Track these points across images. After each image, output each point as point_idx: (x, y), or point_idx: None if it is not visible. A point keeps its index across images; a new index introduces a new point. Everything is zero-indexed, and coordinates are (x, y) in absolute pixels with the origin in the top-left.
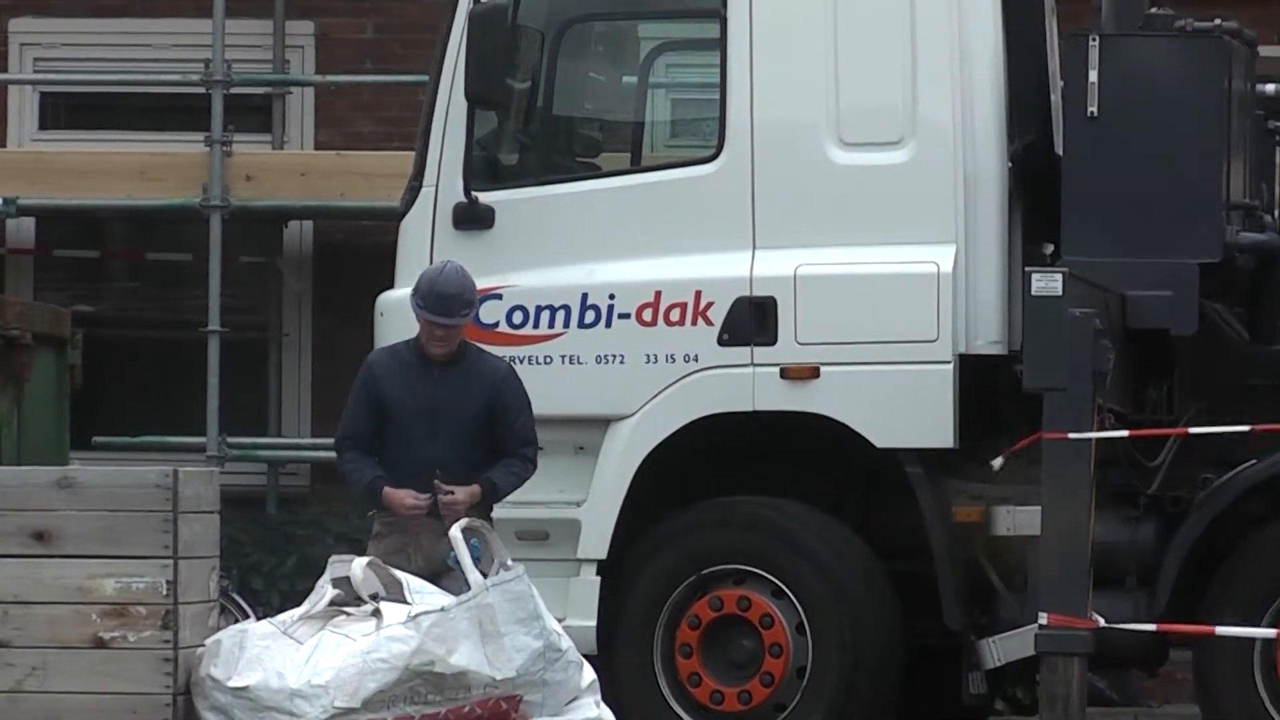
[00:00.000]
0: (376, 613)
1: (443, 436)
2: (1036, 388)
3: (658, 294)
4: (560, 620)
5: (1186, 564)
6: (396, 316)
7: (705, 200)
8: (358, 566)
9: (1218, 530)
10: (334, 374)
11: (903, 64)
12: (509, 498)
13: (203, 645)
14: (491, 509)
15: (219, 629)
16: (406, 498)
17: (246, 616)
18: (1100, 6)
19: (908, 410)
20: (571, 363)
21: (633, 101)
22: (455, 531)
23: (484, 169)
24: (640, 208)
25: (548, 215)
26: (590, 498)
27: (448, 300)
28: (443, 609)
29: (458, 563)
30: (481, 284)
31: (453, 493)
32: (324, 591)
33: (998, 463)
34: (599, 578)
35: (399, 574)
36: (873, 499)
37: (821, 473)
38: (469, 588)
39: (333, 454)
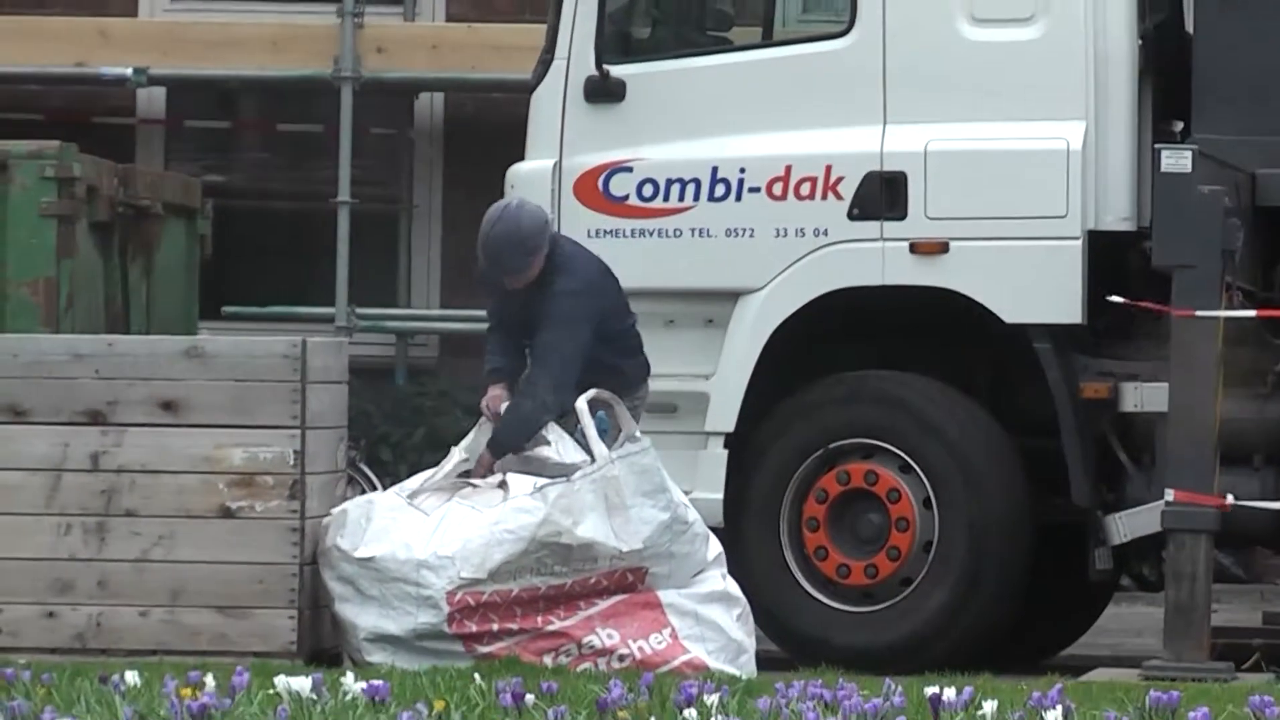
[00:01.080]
0: (503, 484)
1: (516, 354)
2: (1165, 265)
3: (788, 168)
4: (687, 493)
5: None
6: (527, 188)
7: (836, 75)
8: (487, 457)
9: None
10: (463, 246)
11: None
12: (657, 366)
13: (329, 515)
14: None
15: (346, 499)
16: (492, 400)
17: (374, 488)
18: None
19: (1037, 286)
20: (701, 236)
21: None
22: (581, 404)
23: (615, 42)
24: (772, 82)
25: (679, 89)
26: (719, 371)
27: (496, 259)
28: (569, 480)
29: (584, 434)
30: (612, 156)
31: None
32: (452, 464)
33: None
34: (726, 451)
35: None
36: (1002, 375)
37: (950, 348)
38: (595, 460)
39: (462, 325)
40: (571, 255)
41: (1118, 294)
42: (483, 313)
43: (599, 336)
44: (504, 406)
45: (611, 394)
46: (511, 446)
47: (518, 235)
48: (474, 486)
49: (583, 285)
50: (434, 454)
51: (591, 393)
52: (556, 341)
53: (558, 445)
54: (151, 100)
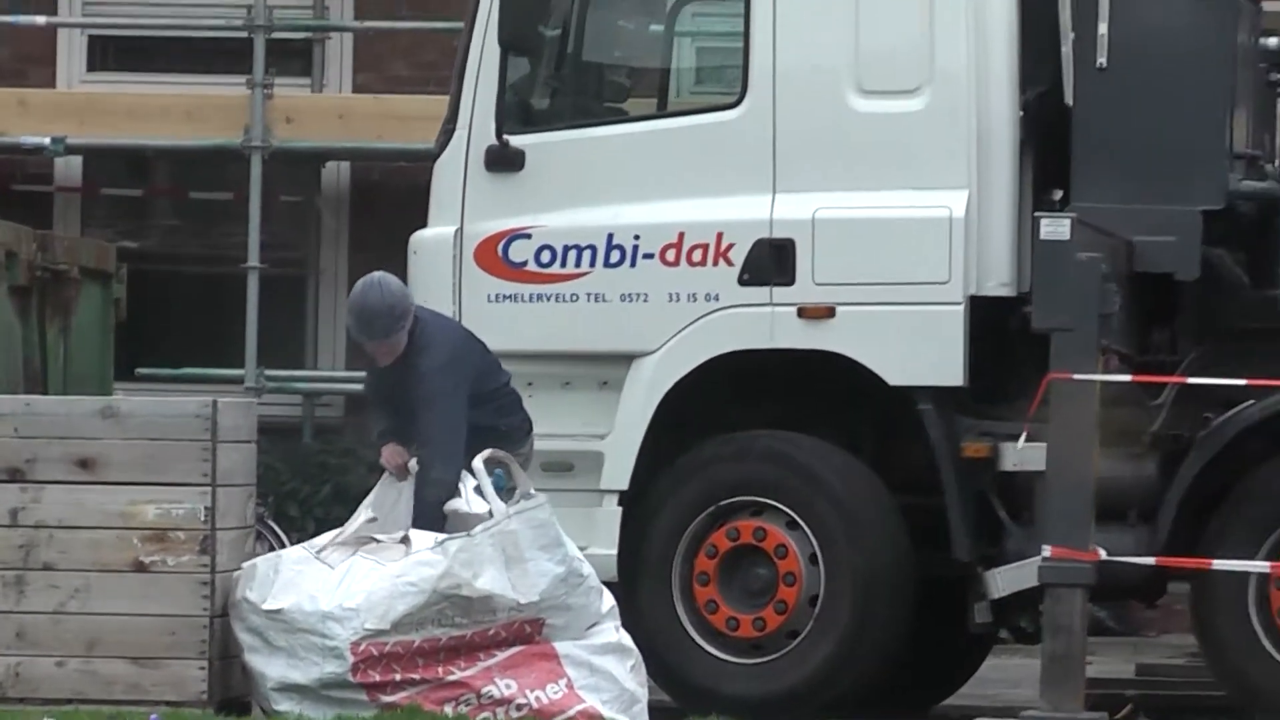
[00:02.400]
0: (405, 539)
1: (401, 416)
2: (1044, 328)
3: (681, 235)
4: (582, 548)
5: (1186, 500)
6: (430, 254)
7: (728, 145)
8: (392, 509)
9: (1216, 468)
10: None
11: (920, 14)
12: (545, 427)
13: (239, 569)
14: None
15: (255, 554)
16: (390, 461)
17: (281, 543)
18: None
19: (920, 349)
20: (597, 300)
21: (659, 49)
22: (478, 463)
23: (515, 113)
24: (665, 152)
25: (576, 158)
26: (614, 431)
27: (364, 325)
28: (469, 535)
29: (480, 491)
30: (512, 224)
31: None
32: (358, 520)
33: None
34: (620, 508)
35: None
36: (886, 435)
37: (837, 409)
38: (492, 516)
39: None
40: (431, 329)
41: (999, 357)
42: (352, 377)
43: (473, 400)
44: (409, 462)
45: (506, 453)
46: (436, 529)
47: (387, 303)
48: (378, 541)
49: (446, 358)
50: (340, 509)
51: (487, 452)
52: (435, 420)
53: (466, 495)
54: (69, 168)
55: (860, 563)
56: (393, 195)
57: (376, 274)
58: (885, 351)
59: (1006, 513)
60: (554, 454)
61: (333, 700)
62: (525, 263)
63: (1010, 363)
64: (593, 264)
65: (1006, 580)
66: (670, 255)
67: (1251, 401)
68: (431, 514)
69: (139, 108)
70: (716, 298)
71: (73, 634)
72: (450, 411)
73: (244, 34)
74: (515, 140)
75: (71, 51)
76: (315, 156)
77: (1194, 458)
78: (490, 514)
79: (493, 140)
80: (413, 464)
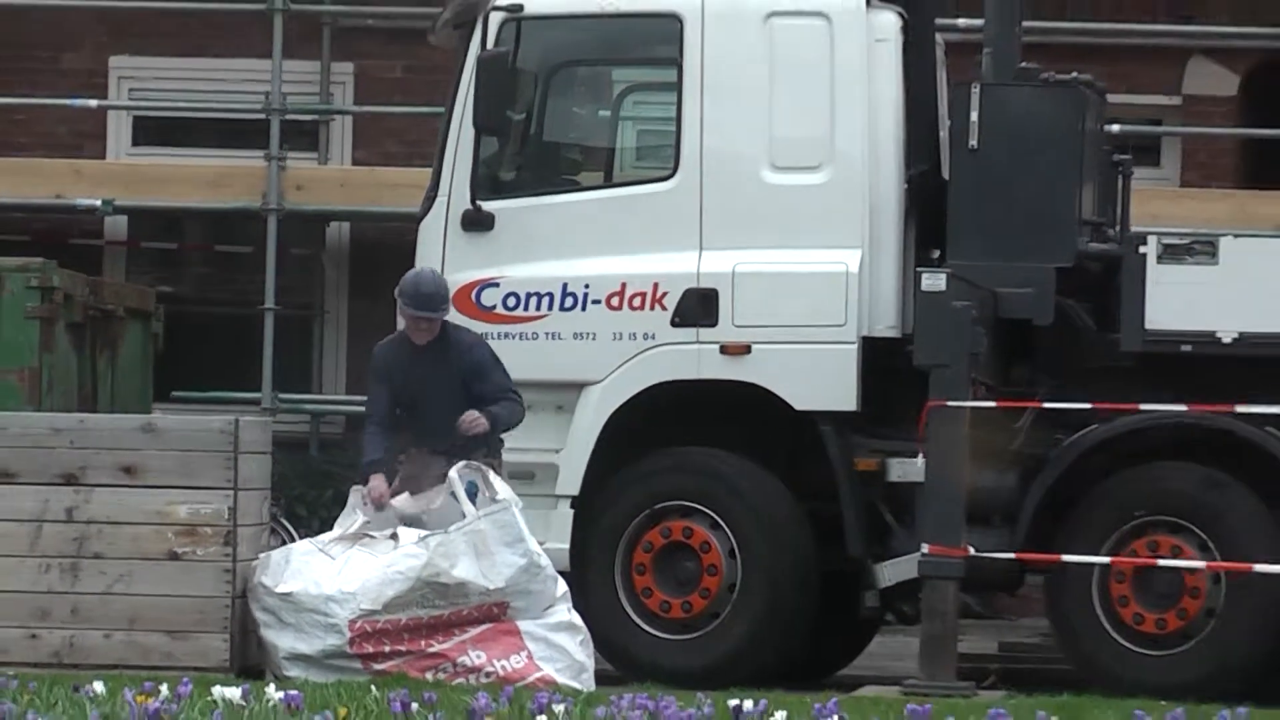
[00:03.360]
0: (394, 535)
1: (434, 404)
2: (924, 365)
3: (623, 285)
4: (541, 543)
5: (1040, 506)
6: None
7: (662, 211)
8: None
9: (1066, 480)
10: (365, 344)
11: (823, 105)
12: (518, 441)
13: (256, 559)
14: (501, 445)
15: (269, 547)
16: (373, 490)
17: (291, 538)
18: (981, 60)
19: (821, 381)
20: (553, 338)
21: (606, 131)
22: (453, 473)
23: (486, 183)
24: (610, 216)
25: (537, 221)
26: (567, 447)
27: (429, 298)
28: (446, 532)
29: (455, 497)
30: (483, 274)
31: (479, 420)
32: (355, 518)
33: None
34: (573, 510)
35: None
36: (794, 452)
37: (754, 430)
38: (465, 517)
39: (362, 408)
40: (456, 325)
41: (886, 387)
42: (351, 400)
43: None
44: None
45: (480, 463)
46: (510, 426)
47: (440, 283)
48: (372, 538)
49: (482, 338)
50: (341, 510)
51: (461, 464)
52: (505, 372)
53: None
54: (116, 226)
55: (771, 557)
56: (386, 250)
57: (423, 266)
58: (792, 382)
59: (892, 516)
60: (518, 465)
61: (333, 668)
62: (495, 306)
63: (896, 392)
64: (550, 308)
65: (892, 572)
66: (614, 301)
67: (1096, 425)
68: (515, 416)
69: (174, 176)
70: (653, 337)
71: (118, 611)
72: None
73: (262, 116)
74: (487, 205)
75: (119, 129)
76: (321, 218)
77: (1047, 471)
78: (464, 515)
79: (468, 205)
80: (399, 501)
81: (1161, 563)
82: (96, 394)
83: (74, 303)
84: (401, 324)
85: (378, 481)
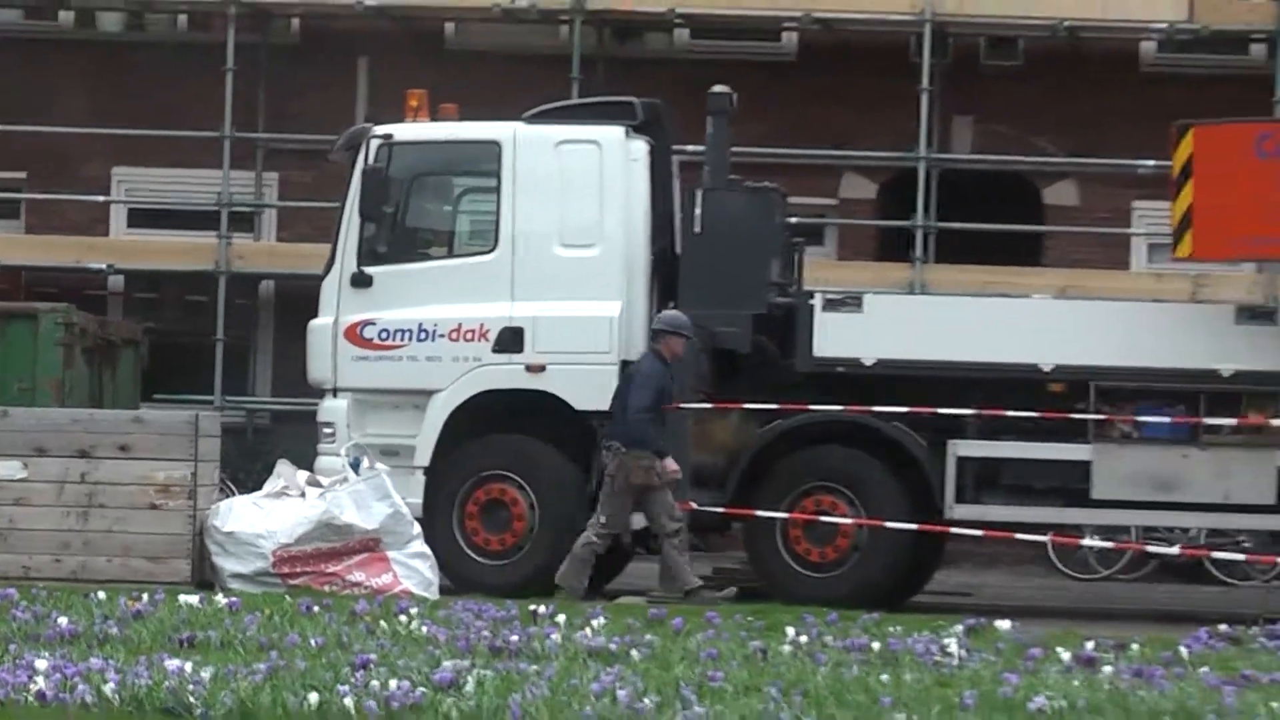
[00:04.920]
0: (303, 494)
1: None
2: None
3: (460, 324)
4: (403, 498)
5: (742, 477)
6: (319, 334)
7: (486, 275)
8: (295, 474)
9: (760, 459)
10: (286, 364)
11: (595, 203)
12: (383, 430)
13: (209, 509)
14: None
15: (218, 500)
16: (674, 471)
17: (233, 494)
18: (702, 173)
19: (593, 390)
20: (412, 360)
21: (449, 219)
22: (343, 451)
23: (368, 254)
24: (452, 278)
25: (402, 281)
26: (421, 433)
27: (688, 325)
28: (335, 489)
29: (348, 468)
30: (364, 317)
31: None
32: (277, 482)
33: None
34: (424, 476)
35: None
36: (578, 438)
37: (548, 424)
38: (348, 479)
39: (283, 405)
40: None
41: None
42: (275, 401)
43: None
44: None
45: (361, 445)
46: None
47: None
48: (288, 495)
49: None
50: (268, 476)
51: (350, 444)
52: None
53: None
54: (116, 282)
55: (559, 509)
56: (301, 301)
57: (673, 308)
58: (574, 391)
59: None
60: (389, 445)
61: (262, 583)
62: (372, 339)
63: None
64: (410, 340)
65: (641, 520)
66: (453, 335)
67: (780, 420)
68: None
69: (155, 249)
70: (479, 359)
71: (115, 543)
72: None
73: (216, 208)
74: (368, 269)
75: (119, 216)
76: (255, 278)
77: (746, 453)
78: (346, 479)
79: (354, 269)
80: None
81: (823, 518)
82: (102, 396)
83: (87, 335)
84: (660, 348)
85: (673, 462)
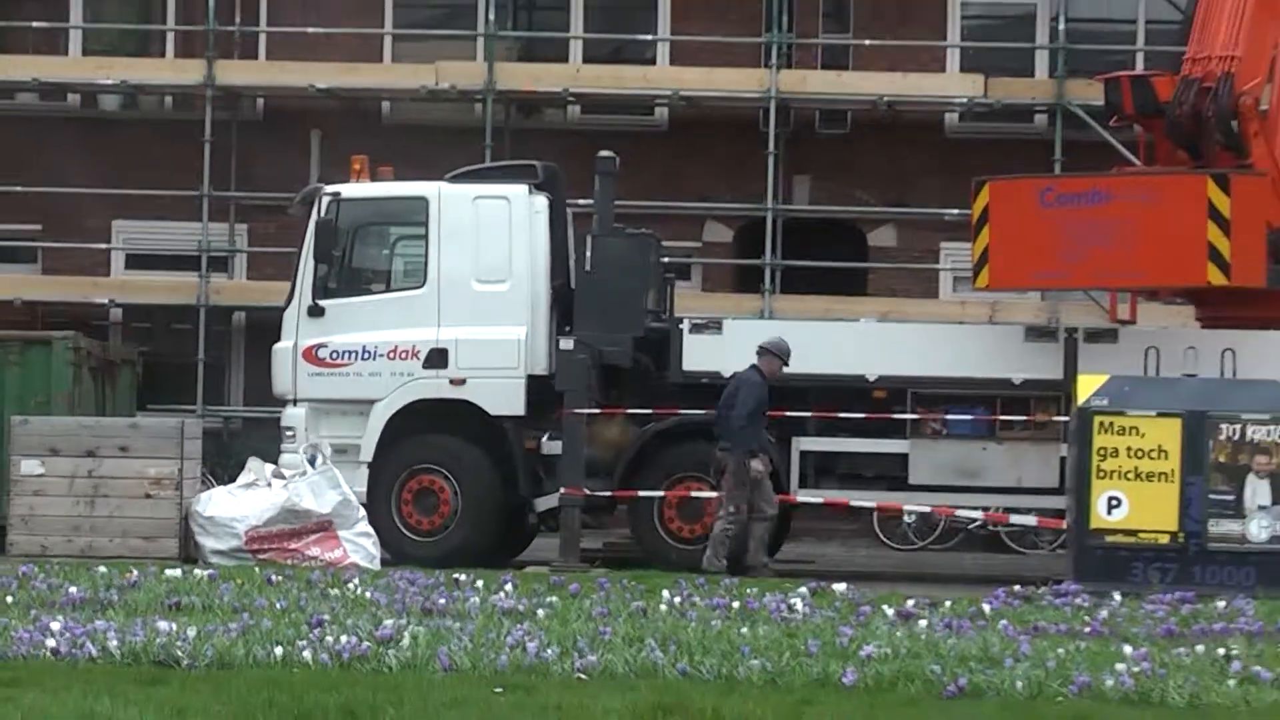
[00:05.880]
0: (269, 485)
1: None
2: (562, 389)
3: (396, 346)
4: (351, 487)
5: (626, 467)
6: (282, 355)
7: (418, 306)
8: (263, 469)
9: (640, 453)
10: (255, 379)
11: (505, 247)
12: (334, 432)
13: (192, 498)
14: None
15: (200, 491)
16: (763, 468)
17: (212, 486)
18: (593, 221)
19: (505, 399)
20: (357, 375)
21: (387, 260)
22: (303, 448)
23: (321, 289)
24: (389, 309)
25: (349, 311)
26: (365, 434)
27: (789, 353)
28: (295, 480)
29: (306, 463)
30: (317, 341)
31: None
32: (248, 475)
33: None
34: (368, 469)
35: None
36: (495, 438)
37: (469, 427)
38: (306, 472)
39: (253, 412)
40: None
41: (541, 402)
42: (247, 409)
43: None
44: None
45: (319, 443)
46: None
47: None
48: (256, 486)
49: None
50: (240, 471)
51: (309, 442)
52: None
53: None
54: (116, 314)
55: (478, 496)
56: (267, 329)
57: (778, 335)
58: (490, 399)
59: (544, 473)
60: (340, 444)
61: (236, 559)
62: (325, 358)
63: (546, 404)
64: (356, 359)
65: (544, 503)
66: (391, 355)
67: (654, 423)
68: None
69: (148, 286)
70: (412, 375)
71: (116, 526)
72: None
73: (197, 253)
74: (321, 302)
75: (119, 260)
76: (230, 310)
77: (630, 448)
78: (305, 472)
79: (310, 301)
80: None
81: (693, 494)
82: (104, 407)
83: (92, 357)
84: (761, 365)
85: (758, 462)
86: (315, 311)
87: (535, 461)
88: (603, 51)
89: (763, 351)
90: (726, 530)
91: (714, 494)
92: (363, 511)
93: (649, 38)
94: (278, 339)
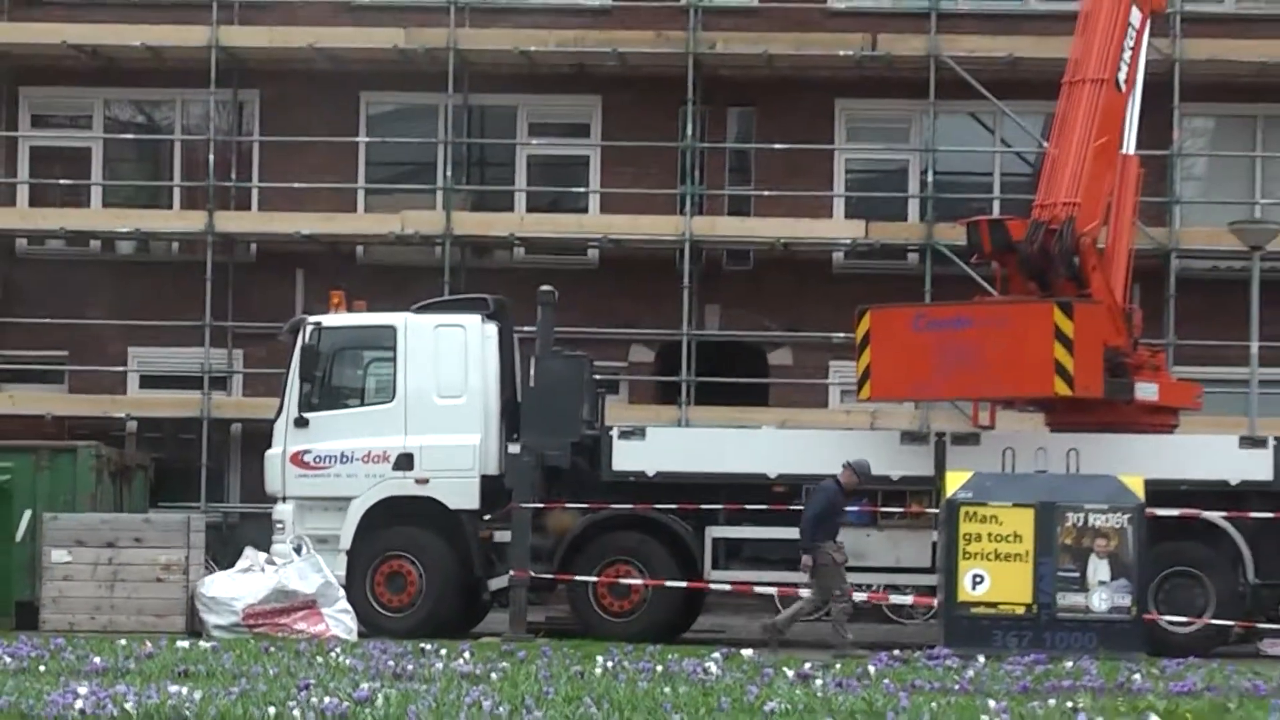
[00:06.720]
0: (263, 569)
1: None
2: (511, 485)
3: (370, 451)
4: (332, 571)
5: (565, 551)
6: (274, 459)
7: (388, 419)
8: (258, 556)
9: (577, 540)
10: (250, 480)
11: (461, 368)
12: (317, 525)
13: (198, 581)
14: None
15: (205, 575)
16: (804, 559)
17: (214, 571)
18: (535, 345)
19: (462, 495)
20: (337, 477)
21: (361, 379)
22: (291, 538)
23: (305, 404)
24: (364, 420)
25: (330, 423)
26: (344, 526)
27: (871, 476)
28: (285, 566)
29: (293, 551)
30: (303, 448)
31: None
32: (245, 562)
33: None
34: (346, 556)
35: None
36: (455, 528)
37: (432, 520)
38: (293, 559)
39: (248, 508)
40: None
41: (494, 498)
42: (243, 505)
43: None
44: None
45: (305, 536)
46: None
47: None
48: (251, 571)
49: None
50: (238, 559)
51: (295, 535)
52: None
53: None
54: (132, 426)
55: (440, 577)
56: (259, 437)
57: (862, 457)
58: (450, 495)
59: (496, 557)
60: (322, 535)
61: (236, 633)
62: (309, 462)
63: (498, 500)
64: (335, 463)
65: (496, 583)
66: (365, 459)
67: (590, 514)
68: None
69: (158, 402)
70: (383, 476)
71: (133, 605)
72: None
73: (200, 374)
74: (306, 415)
75: (133, 380)
76: (229, 422)
77: (567, 536)
78: (293, 559)
79: (297, 414)
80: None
81: (622, 580)
82: (122, 505)
83: (111, 463)
84: (841, 476)
85: (808, 557)
86: (301, 423)
87: (488, 548)
88: (543, 202)
89: (846, 466)
90: (845, 609)
91: (635, 580)
92: (342, 592)
93: (582, 190)
94: (269, 446)
